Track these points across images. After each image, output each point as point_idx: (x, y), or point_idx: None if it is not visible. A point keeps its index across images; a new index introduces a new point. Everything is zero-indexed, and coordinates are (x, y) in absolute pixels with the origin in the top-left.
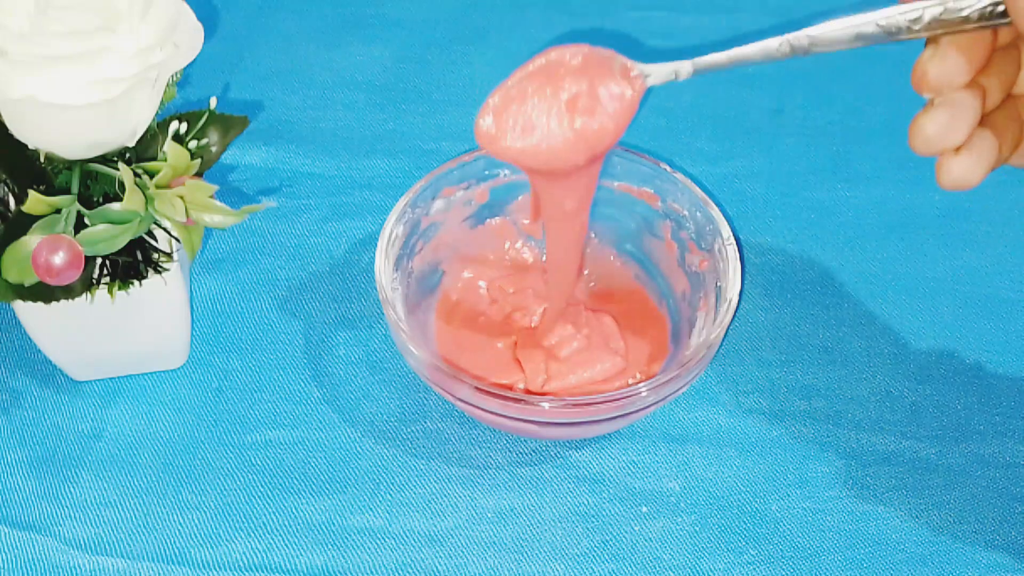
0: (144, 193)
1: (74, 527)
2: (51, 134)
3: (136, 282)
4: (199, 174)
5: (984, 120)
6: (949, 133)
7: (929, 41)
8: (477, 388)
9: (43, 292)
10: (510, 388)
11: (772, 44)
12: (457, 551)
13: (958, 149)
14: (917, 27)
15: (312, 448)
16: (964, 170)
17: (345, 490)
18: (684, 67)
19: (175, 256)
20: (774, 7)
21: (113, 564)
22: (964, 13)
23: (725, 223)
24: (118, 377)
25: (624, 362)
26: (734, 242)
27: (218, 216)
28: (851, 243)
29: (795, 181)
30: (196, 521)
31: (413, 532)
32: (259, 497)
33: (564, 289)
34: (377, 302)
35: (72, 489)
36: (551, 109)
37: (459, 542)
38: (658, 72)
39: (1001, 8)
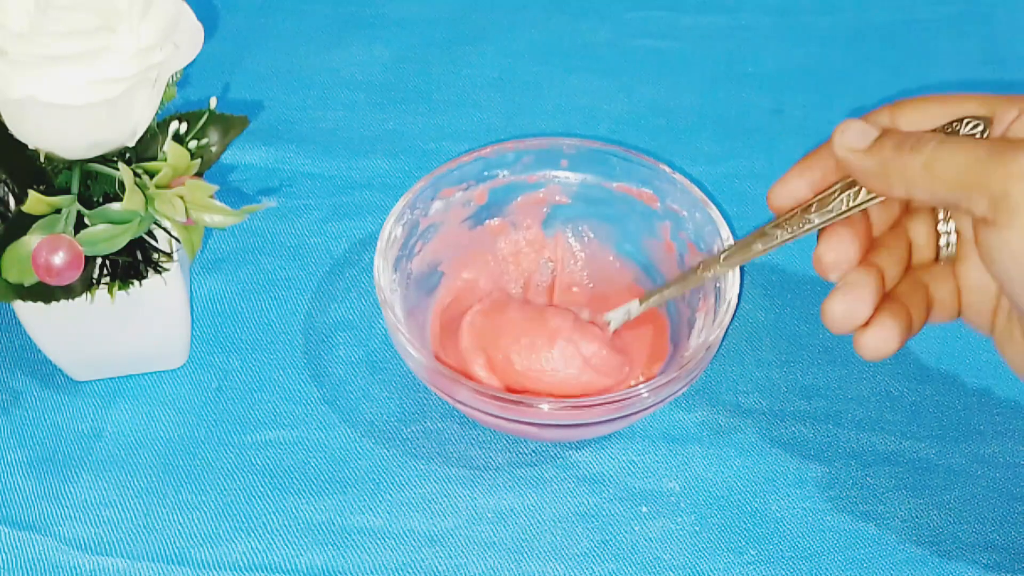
0: (144, 193)
1: (74, 527)
2: (51, 134)
3: (136, 282)
4: (199, 174)
5: (890, 294)
6: (855, 311)
7: (820, 233)
8: (476, 390)
9: (43, 292)
10: (509, 389)
11: (691, 275)
12: (457, 551)
13: (867, 324)
14: (801, 229)
15: (312, 448)
16: (878, 341)
17: (345, 490)
18: (633, 307)
19: (175, 256)
20: (774, 7)
21: (113, 564)
22: (833, 212)
23: (724, 224)
24: (118, 377)
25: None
26: (733, 242)
27: (218, 216)
28: None
29: None
30: (196, 521)
31: (413, 532)
32: (259, 497)
33: None
34: (377, 302)
35: (72, 489)
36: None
37: (459, 542)
38: (615, 318)
39: (861, 196)
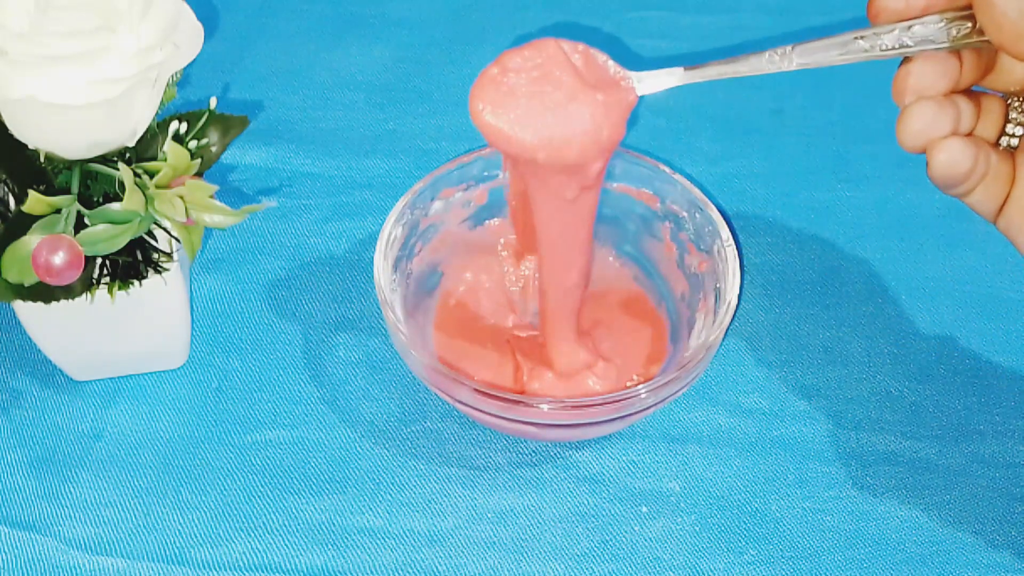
0: (144, 193)
1: (74, 527)
2: (51, 134)
3: (136, 282)
4: (199, 174)
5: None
6: (936, 123)
7: (906, 59)
8: (476, 390)
9: (43, 292)
10: (509, 390)
11: (762, 58)
12: (457, 551)
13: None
14: (902, 46)
15: (312, 448)
16: (954, 152)
17: (345, 490)
18: (675, 75)
19: (175, 256)
20: (774, 7)
21: (113, 564)
22: (933, 41)
23: (724, 224)
24: (118, 377)
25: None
26: (733, 243)
27: (218, 216)
28: (851, 243)
29: (795, 181)
30: (196, 521)
31: (413, 532)
32: (259, 497)
33: (561, 324)
34: (377, 302)
35: (72, 489)
36: (562, 99)
37: (459, 542)
38: (648, 83)
39: (968, 33)
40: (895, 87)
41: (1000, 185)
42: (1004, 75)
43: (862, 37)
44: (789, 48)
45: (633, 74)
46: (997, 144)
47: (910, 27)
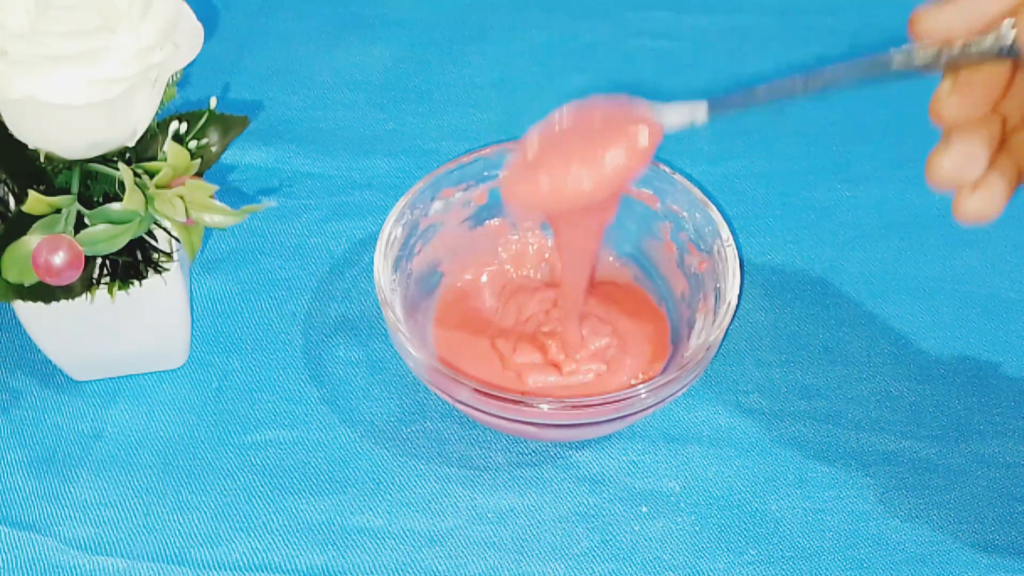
0: (144, 193)
1: (74, 527)
2: (51, 134)
3: (136, 282)
4: (199, 174)
5: (1002, 145)
6: (966, 170)
7: (946, 73)
8: (476, 390)
9: (43, 292)
10: (509, 390)
11: (789, 84)
12: (457, 551)
13: (975, 186)
14: (934, 63)
15: (312, 448)
16: (982, 205)
17: (345, 490)
18: (700, 110)
19: (175, 256)
20: (775, 7)
21: (113, 564)
22: (980, 49)
23: (724, 224)
24: (118, 377)
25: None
26: (733, 244)
27: (218, 216)
28: (851, 243)
29: (795, 181)
30: (196, 521)
31: (413, 532)
32: (259, 497)
33: (574, 307)
34: (377, 302)
35: (72, 489)
36: (582, 162)
37: (459, 542)
38: (672, 118)
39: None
40: (931, 109)
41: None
42: None
43: (886, 63)
44: (816, 75)
45: (656, 109)
46: None
47: (947, 52)
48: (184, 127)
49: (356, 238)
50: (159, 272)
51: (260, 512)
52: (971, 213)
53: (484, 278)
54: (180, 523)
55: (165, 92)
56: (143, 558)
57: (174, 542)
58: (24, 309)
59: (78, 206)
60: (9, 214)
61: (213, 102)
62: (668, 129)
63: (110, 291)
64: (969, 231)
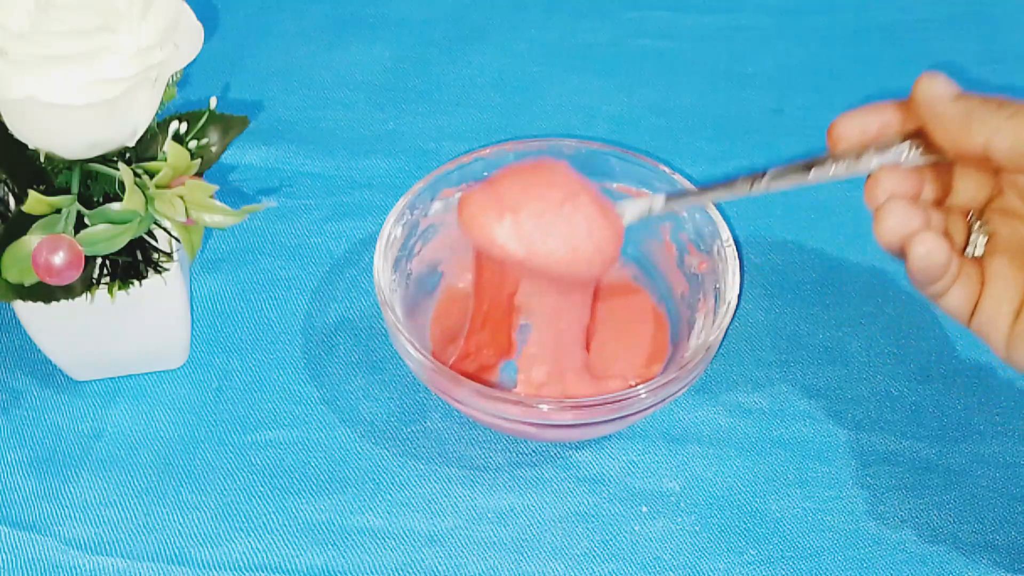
0: (144, 193)
1: (74, 527)
2: (51, 134)
3: (136, 282)
4: (199, 174)
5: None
6: (907, 219)
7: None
8: (475, 390)
9: (43, 292)
10: (508, 390)
11: (737, 185)
12: (457, 551)
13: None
14: (856, 166)
15: (312, 448)
16: (931, 246)
17: (345, 490)
18: (657, 202)
19: (175, 256)
20: (774, 7)
21: (113, 564)
22: (892, 157)
23: (724, 225)
24: (118, 377)
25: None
26: (733, 244)
27: (218, 216)
28: (851, 243)
29: None
30: (196, 521)
31: (413, 532)
32: (259, 497)
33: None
34: (377, 302)
35: (72, 489)
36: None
37: (459, 542)
38: (631, 211)
39: (921, 154)
40: (867, 194)
41: (971, 286)
42: (960, 195)
43: (821, 163)
44: (761, 175)
45: (618, 204)
46: (963, 253)
47: (867, 154)
48: (184, 127)
49: (356, 238)
50: (159, 272)
51: (260, 512)
52: (920, 257)
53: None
54: (180, 523)
55: (165, 92)
56: (143, 558)
57: (174, 542)
58: (24, 309)
59: (78, 206)
60: (9, 214)
61: (213, 102)
62: (628, 221)
63: (110, 291)
64: None
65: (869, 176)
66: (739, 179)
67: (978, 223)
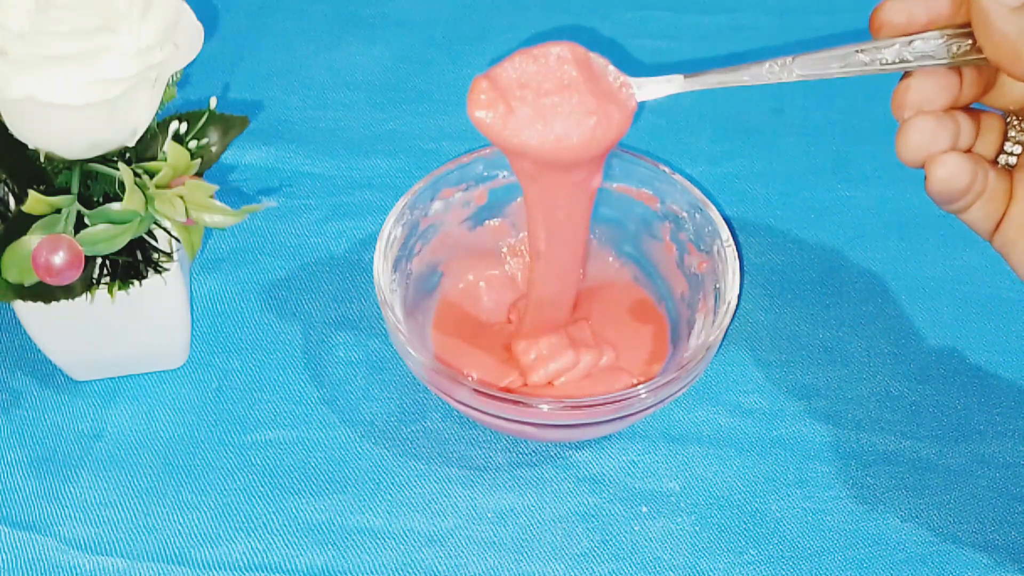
0: (144, 193)
1: (74, 527)
2: (51, 134)
3: (136, 282)
4: (199, 174)
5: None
6: (934, 138)
7: (907, 73)
8: (475, 390)
9: (43, 292)
10: (509, 390)
11: (762, 68)
12: (457, 551)
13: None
14: (889, 63)
15: (312, 448)
16: (952, 167)
17: (345, 490)
18: (675, 81)
19: (175, 256)
20: (774, 7)
21: (113, 564)
22: (932, 56)
23: (724, 225)
24: (118, 377)
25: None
26: (733, 244)
27: (218, 216)
28: (851, 243)
29: (795, 181)
30: (196, 521)
31: (413, 532)
32: (259, 497)
33: (557, 312)
34: (377, 302)
35: (72, 489)
36: (562, 99)
37: (459, 542)
38: (648, 89)
39: (968, 50)
40: (894, 101)
41: (997, 203)
42: (1003, 93)
43: (863, 50)
44: (790, 59)
45: (633, 80)
46: (995, 162)
47: (911, 42)
48: (184, 127)
49: (356, 238)
50: (159, 272)
51: (260, 512)
52: (939, 180)
53: (484, 278)
54: (180, 523)
55: (165, 92)
56: (143, 558)
57: (174, 542)
58: (24, 309)
59: (78, 206)
60: (9, 214)
61: (213, 102)
62: (643, 96)
63: (110, 291)
64: (969, 231)
65: (901, 79)
66: (764, 62)
67: (1015, 130)
